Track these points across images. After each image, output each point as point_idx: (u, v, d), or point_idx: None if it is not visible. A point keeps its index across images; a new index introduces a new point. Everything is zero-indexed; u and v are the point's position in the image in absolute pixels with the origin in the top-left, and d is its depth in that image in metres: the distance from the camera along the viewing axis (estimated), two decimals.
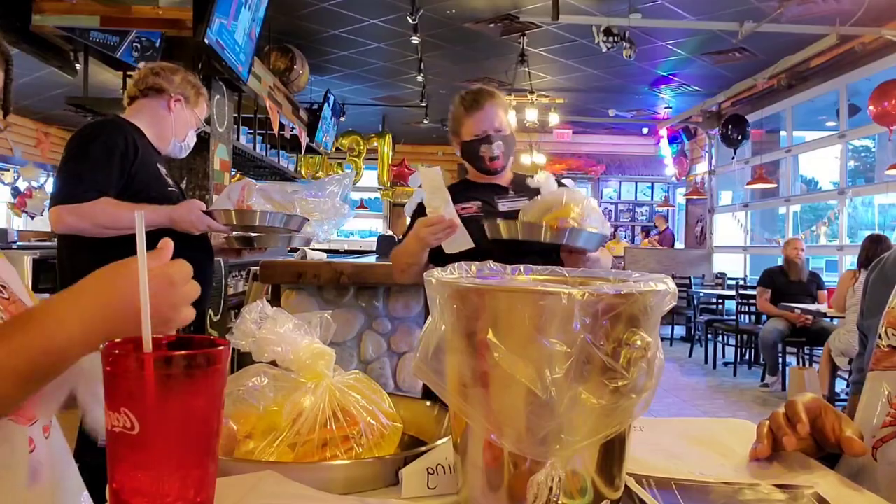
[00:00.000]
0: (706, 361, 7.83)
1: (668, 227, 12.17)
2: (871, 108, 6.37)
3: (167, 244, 0.73)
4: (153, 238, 2.24)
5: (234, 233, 2.40)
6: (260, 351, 0.86)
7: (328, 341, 0.91)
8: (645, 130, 11.96)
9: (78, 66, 4.56)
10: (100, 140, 2.19)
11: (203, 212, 2.15)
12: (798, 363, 6.30)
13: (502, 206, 2.14)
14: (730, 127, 8.75)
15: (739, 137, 8.72)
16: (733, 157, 9.27)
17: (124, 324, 0.65)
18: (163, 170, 2.32)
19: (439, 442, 0.83)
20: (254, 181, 2.30)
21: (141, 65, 2.51)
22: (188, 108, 2.38)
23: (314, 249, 3.88)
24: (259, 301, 0.90)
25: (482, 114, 2.13)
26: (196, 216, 2.14)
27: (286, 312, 0.90)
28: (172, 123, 2.35)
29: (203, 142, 4.80)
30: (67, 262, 2.23)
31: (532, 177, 2.13)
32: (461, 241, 1.93)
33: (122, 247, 2.10)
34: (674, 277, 0.66)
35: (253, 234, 2.35)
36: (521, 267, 0.77)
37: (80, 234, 2.22)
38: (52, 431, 0.78)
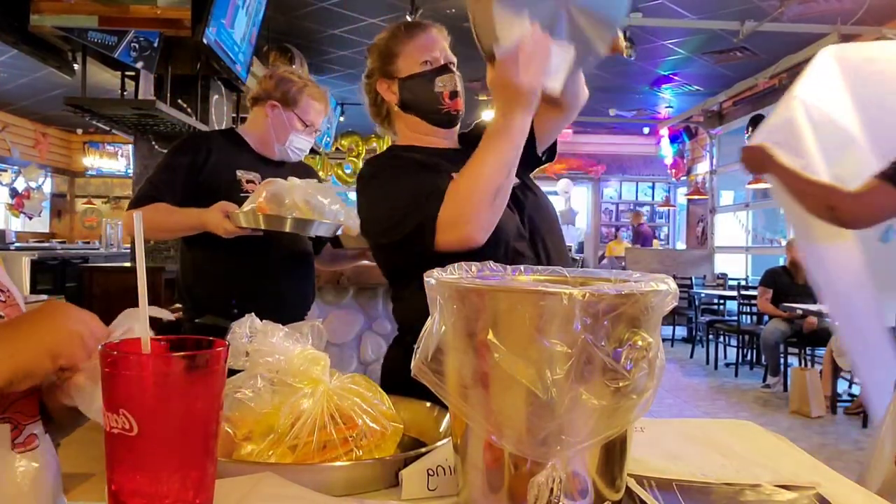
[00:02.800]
0: (707, 362, 7.82)
1: (642, 223, 12.09)
2: None
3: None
4: (207, 239, 2.19)
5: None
6: (254, 365, 0.86)
7: (322, 349, 0.91)
8: (646, 130, 11.96)
9: (76, 67, 4.56)
10: (174, 150, 2.30)
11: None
12: (800, 364, 6.30)
13: None
14: (756, 126, 8.67)
15: None
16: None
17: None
18: (246, 176, 2.28)
19: (439, 443, 0.83)
20: (282, 180, 2.17)
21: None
22: (287, 111, 2.30)
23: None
24: (248, 315, 0.89)
25: (429, 36, 1.54)
26: (218, 219, 2.04)
27: (275, 323, 0.90)
28: (271, 130, 2.32)
29: None
30: (181, 265, 2.35)
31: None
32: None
33: (221, 246, 2.14)
34: (675, 278, 0.66)
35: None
36: (522, 267, 0.77)
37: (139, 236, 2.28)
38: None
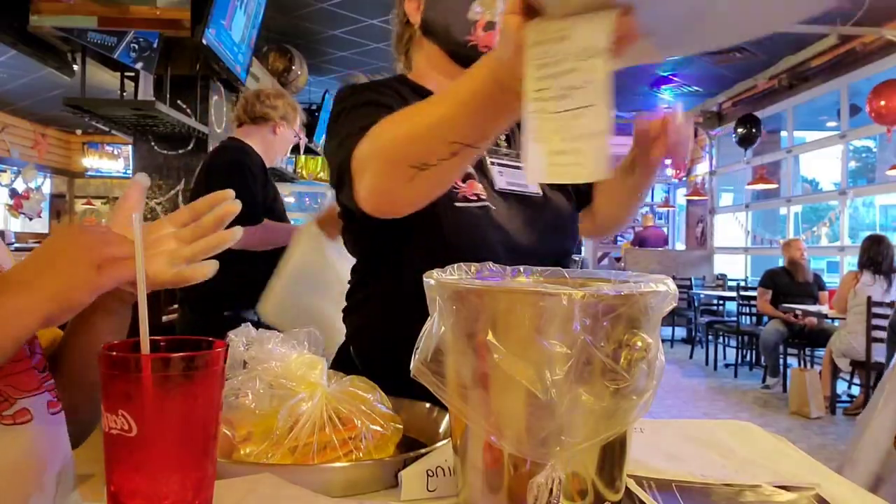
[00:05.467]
0: (707, 363, 7.82)
1: (652, 225, 12.02)
2: (868, 108, 6.38)
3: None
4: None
5: None
6: (251, 370, 0.86)
7: (320, 353, 0.91)
8: None
9: (76, 67, 4.55)
10: (247, 169, 2.49)
11: None
12: (799, 365, 6.30)
13: (500, 176, 1.20)
14: (745, 126, 8.65)
15: (755, 133, 8.62)
16: (746, 160, 9.27)
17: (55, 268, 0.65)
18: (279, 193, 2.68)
19: (439, 444, 0.83)
20: None
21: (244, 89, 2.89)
22: (289, 128, 2.67)
23: None
24: (244, 324, 0.89)
25: None
26: None
27: (270, 330, 0.90)
28: (278, 146, 2.67)
29: (201, 143, 4.81)
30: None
31: None
32: None
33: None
34: (674, 278, 0.65)
35: None
36: (521, 268, 0.77)
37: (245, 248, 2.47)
38: (63, 414, 0.76)
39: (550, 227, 1.23)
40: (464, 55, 1.18)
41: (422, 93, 1.18)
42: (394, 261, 1.06)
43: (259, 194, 2.45)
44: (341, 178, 1.00)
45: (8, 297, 0.63)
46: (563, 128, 0.63)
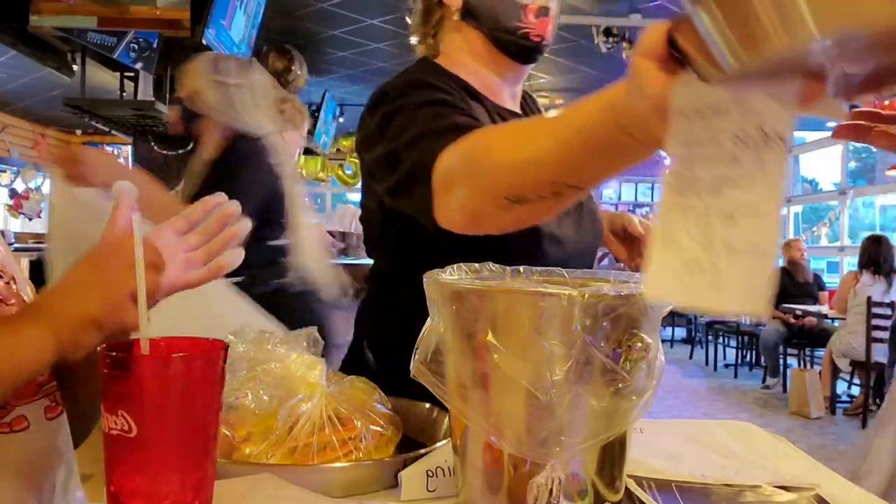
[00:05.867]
0: (707, 363, 7.82)
1: None
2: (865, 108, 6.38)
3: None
4: None
5: None
6: (251, 371, 0.86)
7: (319, 354, 0.91)
8: None
9: (75, 67, 4.55)
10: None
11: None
12: (799, 365, 6.30)
13: None
14: None
15: None
16: None
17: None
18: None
19: (439, 444, 0.83)
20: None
21: None
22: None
23: None
24: (243, 326, 0.89)
25: None
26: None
27: (268, 332, 0.90)
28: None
29: None
30: None
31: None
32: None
33: None
34: None
35: None
36: (521, 268, 0.77)
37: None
38: (62, 418, 0.75)
39: (590, 231, 1.19)
40: (511, 42, 1.12)
41: (463, 85, 1.11)
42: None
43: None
44: (411, 183, 0.90)
45: (23, 325, 0.63)
46: (708, 234, 0.46)
